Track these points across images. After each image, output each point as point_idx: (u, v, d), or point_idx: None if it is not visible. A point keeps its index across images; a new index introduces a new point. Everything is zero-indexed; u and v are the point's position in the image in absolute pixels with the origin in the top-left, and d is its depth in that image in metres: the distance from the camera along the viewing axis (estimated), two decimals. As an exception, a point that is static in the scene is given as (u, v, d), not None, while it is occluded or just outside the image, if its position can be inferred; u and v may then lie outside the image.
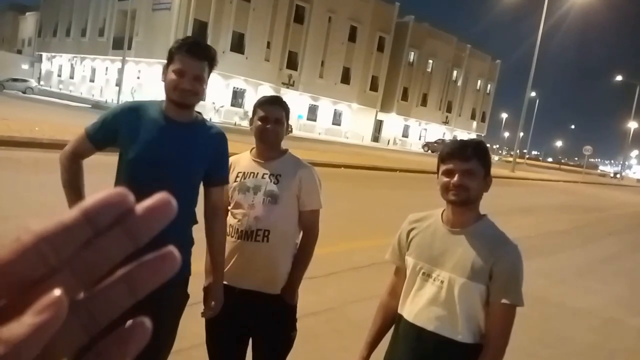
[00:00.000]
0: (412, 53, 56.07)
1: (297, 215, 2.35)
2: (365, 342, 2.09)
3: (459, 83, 63.26)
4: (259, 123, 2.31)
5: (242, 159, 2.41)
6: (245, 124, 36.99)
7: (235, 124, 34.25)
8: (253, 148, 2.42)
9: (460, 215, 1.84)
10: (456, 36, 61.83)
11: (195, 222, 2.13)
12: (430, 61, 58.15)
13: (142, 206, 0.25)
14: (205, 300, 2.21)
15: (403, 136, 59.57)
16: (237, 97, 41.79)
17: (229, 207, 2.34)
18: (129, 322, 0.25)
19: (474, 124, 68.95)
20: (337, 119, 50.47)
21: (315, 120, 48.80)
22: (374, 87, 52.34)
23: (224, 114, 37.88)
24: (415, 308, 1.87)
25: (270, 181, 2.29)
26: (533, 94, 59.54)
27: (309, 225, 2.38)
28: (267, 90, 43.35)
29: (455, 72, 62.18)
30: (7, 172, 7.92)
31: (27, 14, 62.34)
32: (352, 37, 48.57)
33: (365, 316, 2.30)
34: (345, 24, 47.40)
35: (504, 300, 1.72)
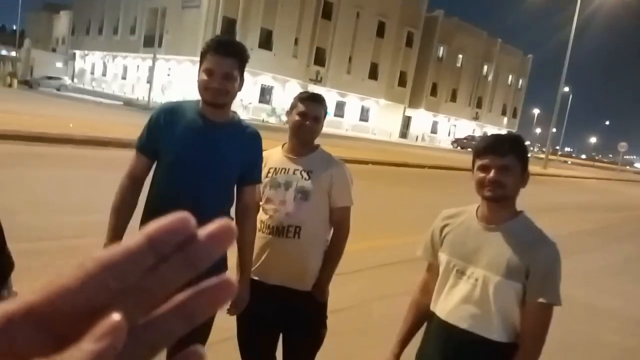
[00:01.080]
0: (442, 48, 55.35)
1: (328, 211, 2.35)
2: (396, 339, 2.07)
3: (490, 78, 62.21)
4: (297, 118, 2.31)
5: (273, 155, 2.40)
6: (272, 120, 37.28)
7: (263, 121, 34.46)
8: (285, 143, 2.41)
9: (496, 212, 1.80)
10: (486, 31, 60.83)
11: (231, 219, 2.14)
12: (460, 56, 57.33)
13: (203, 232, 0.25)
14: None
15: (431, 132, 58.94)
16: (265, 93, 42.00)
17: (261, 203, 2.35)
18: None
19: (505, 119, 67.77)
20: (364, 115, 50.25)
21: (342, 117, 48.69)
22: (402, 83, 51.90)
23: (252, 110, 38.13)
24: (449, 306, 1.85)
25: (302, 177, 2.29)
26: (566, 89, 58.19)
27: (339, 222, 2.37)
28: (294, 86, 43.48)
29: (485, 67, 61.17)
30: (42, 168, 8.14)
31: (61, 12, 63.83)
32: (380, 32, 48.23)
33: (389, 314, 2.28)
34: (373, 20, 47.10)
35: (540, 300, 1.68)
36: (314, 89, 44.49)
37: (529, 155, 1.89)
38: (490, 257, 1.76)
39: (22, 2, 56.76)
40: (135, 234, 0.24)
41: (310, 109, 2.30)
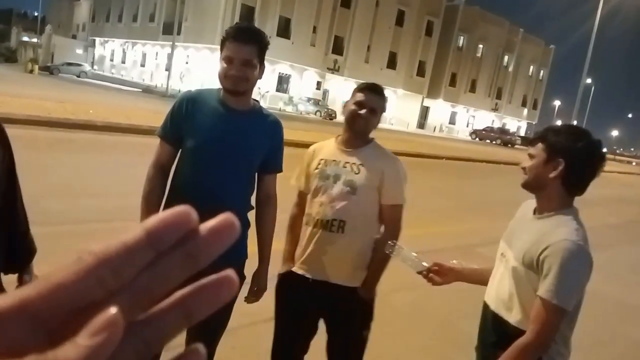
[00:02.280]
0: (462, 37, 54.67)
1: (376, 208, 2.26)
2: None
3: (510, 69, 61.32)
4: (353, 107, 2.23)
5: (326, 146, 2.35)
6: (289, 109, 37.28)
7: (280, 109, 34.46)
8: (339, 135, 2.34)
9: (539, 202, 1.83)
10: (508, 20, 59.85)
11: (251, 207, 2.15)
12: (481, 46, 56.56)
13: (205, 227, 0.25)
14: (250, 286, 2.22)
15: (450, 123, 58.39)
16: (282, 82, 41.97)
17: (308, 195, 2.32)
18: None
19: (525, 111, 66.84)
20: (382, 105, 49.92)
21: (360, 106, 48.43)
22: (420, 73, 51.41)
23: (269, 99, 38.14)
24: (489, 286, 1.94)
25: (351, 170, 2.22)
26: (589, 80, 57.21)
27: (389, 220, 2.28)
28: (312, 75, 43.35)
29: (506, 58, 60.28)
30: (64, 153, 8.25)
31: None
32: (400, 21, 47.74)
33: (410, 303, 2.27)
34: (393, 8, 46.62)
35: (538, 293, 1.67)
36: (332, 77, 44.38)
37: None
38: (521, 243, 1.78)
39: (43, -11, 57.34)
40: (134, 227, 0.24)
41: (367, 99, 2.22)
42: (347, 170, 2.22)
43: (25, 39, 58.00)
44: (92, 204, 5.73)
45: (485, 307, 1.92)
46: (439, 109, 55.69)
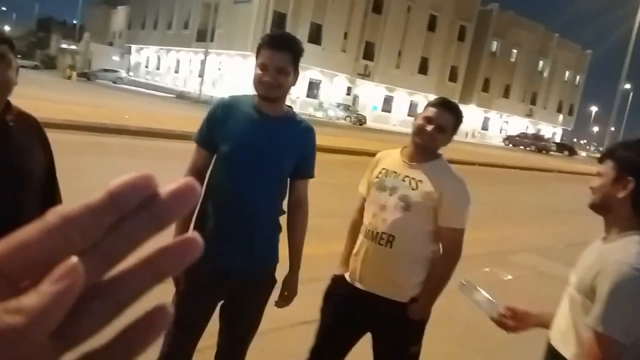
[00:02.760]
0: (495, 42, 53.93)
1: (431, 227, 2.16)
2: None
3: (545, 74, 60.13)
4: (421, 122, 2.16)
5: (391, 155, 2.31)
6: (319, 114, 37.38)
7: (310, 115, 34.58)
8: (405, 147, 2.28)
9: (607, 225, 1.69)
10: (543, 25, 58.76)
11: (283, 212, 2.17)
12: (515, 51, 55.67)
13: (166, 190, 0.25)
14: (280, 291, 2.22)
15: (482, 129, 57.55)
16: (313, 88, 42.15)
17: (366, 203, 2.29)
18: (152, 307, 0.25)
19: (560, 117, 65.36)
20: (413, 110, 49.53)
21: (390, 112, 48.28)
22: (453, 78, 50.89)
23: (300, 104, 38.35)
24: (556, 319, 1.78)
25: (409, 185, 2.15)
26: (627, 85, 55.57)
27: (447, 243, 2.19)
28: (342, 81, 43.40)
29: (541, 63, 59.17)
30: (98, 156, 8.47)
31: (118, 7, 66.04)
32: (432, 26, 47.42)
33: (438, 307, 2.24)
34: (425, 13, 46.34)
35: (587, 321, 1.53)
36: (362, 83, 44.34)
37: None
38: (580, 269, 1.67)
39: (82, -2, 59.06)
40: (98, 192, 0.24)
41: (437, 115, 2.13)
42: (405, 184, 2.16)
43: (64, 46, 59.84)
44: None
45: (548, 339, 1.79)
46: (472, 115, 54.95)
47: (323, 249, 4.46)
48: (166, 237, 0.27)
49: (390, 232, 2.14)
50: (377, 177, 2.25)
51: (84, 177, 6.59)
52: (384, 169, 2.25)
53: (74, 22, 79.65)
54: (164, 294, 0.21)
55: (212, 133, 2.08)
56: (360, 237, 2.25)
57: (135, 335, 0.25)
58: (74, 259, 0.22)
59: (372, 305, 2.21)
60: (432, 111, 2.15)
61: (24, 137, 1.59)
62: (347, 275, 2.31)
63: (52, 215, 0.23)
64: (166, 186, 0.25)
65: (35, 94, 13.13)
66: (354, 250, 2.28)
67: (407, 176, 2.17)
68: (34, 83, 19.67)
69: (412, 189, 2.14)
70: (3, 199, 1.49)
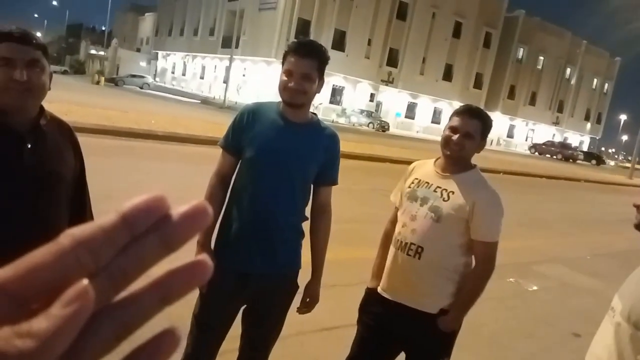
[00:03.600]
0: (521, 49, 53.27)
1: (463, 240, 2.12)
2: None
3: (573, 81, 59.11)
4: (447, 132, 2.14)
5: (424, 165, 2.30)
6: (342, 121, 37.39)
7: (332, 121, 34.63)
8: (439, 157, 2.25)
9: None
10: (570, 31, 57.86)
11: (306, 218, 2.18)
12: (541, 58, 54.91)
13: (178, 213, 0.25)
14: (303, 297, 2.23)
15: (508, 136, 56.82)
16: (336, 94, 42.21)
17: (398, 213, 2.28)
18: (160, 330, 0.25)
19: (588, 125, 64.14)
20: (436, 117, 49.26)
21: (413, 118, 48.03)
22: (477, 85, 50.40)
23: (322, 110, 38.44)
24: (594, 344, 1.53)
25: (440, 196, 2.11)
26: (658, 93, 53.91)
27: (479, 257, 2.14)
28: (365, 87, 43.36)
29: (568, 70, 58.19)
30: (125, 160, 8.62)
31: (146, 14, 67.39)
32: (457, 32, 47.11)
33: (467, 320, 2.22)
34: (450, 20, 46.08)
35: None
36: (385, 90, 44.21)
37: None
38: (629, 295, 1.43)
39: (110, 4, 60.42)
40: (110, 213, 0.24)
41: (461, 124, 2.10)
42: (437, 195, 2.13)
43: (93, 51, 61.25)
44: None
45: None
46: (497, 122, 54.19)
47: (344, 254, 4.44)
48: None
49: (419, 243, 2.12)
50: (409, 187, 2.23)
51: (110, 179, 6.72)
52: (416, 179, 2.23)
53: (103, 28, 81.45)
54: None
55: (237, 139, 2.10)
56: (391, 247, 2.24)
57: (143, 358, 0.25)
58: (85, 282, 0.22)
59: (402, 316, 2.19)
60: (456, 120, 2.13)
61: (57, 142, 1.63)
62: (379, 287, 2.30)
63: (66, 238, 0.23)
64: (178, 208, 0.25)
65: (66, 98, 13.46)
66: (387, 259, 2.27)
67: (439, 187, 2.14)
68: (64, 88, 20.15)
69: (444, 200, 2.11)
70: (34, 200, 1.54)
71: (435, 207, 2.11)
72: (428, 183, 2.18)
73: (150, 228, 0.25)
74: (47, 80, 1.54)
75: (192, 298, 2.02)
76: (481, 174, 2.20)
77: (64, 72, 49.39)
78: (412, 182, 2.24)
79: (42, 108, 1.59)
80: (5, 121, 1.49)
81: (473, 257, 2.17)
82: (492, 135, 53.43)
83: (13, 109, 1.49)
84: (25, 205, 1.52)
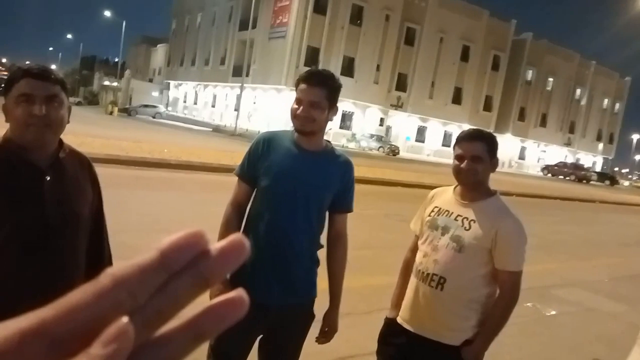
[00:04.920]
0: (530, 71, 53.43)
1: (486, 270, 2.07)
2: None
3: (583, 102, 58.98)
4: (455, 162, 2.12)
5: (444, 193, 2.27)
6: (352, 145, 37.50)
7: (342, 146, 34.75)
8: (458, 185, 2.22)
9: None
10: (579, 52, 58.01)
11: (321, 246, 2.18)
12: (550, 79, 54.97)
13: (216, 248, 0.25)
14: (321, 326, 2.20)
15: (519, 158, 56.54)
16: (346, 119, 42.45)
17: (419, 242, 2.24)
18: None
19: (600, 145, 63.72)
20: (447, 140, 49.22)
21: (423, 142, 48.08)
22: (487, 107, 50.48)
23: (332, 136, 38.61)
24: None
25: (462, 225, 2.07)
26: (670, 112, 53.63)
27: (504, 286, 2.08)
28: (375, 112, 43.60)
29: (578, 91, 58.15)
30: (139, 190, 8.69)
31: (158, 46, 68.75)
32: (465, 56, 47.45)
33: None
34: (457, 44, 46.47)
35: None
36: (395, 114, 44.40)
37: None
38: None
39: (123, 37, 61.81)
40: (149, 250, 0.24)
41: (465, 149, 2.09)
42: (458, 224, 2.09)
43: (106, 83, 62.38)
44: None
45: None
46: (508, 144, 54.13)
47: (357, 281, 4.42)
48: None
49: (441, 274, 2.08)
50: (429, 215, 2.20)
51: (126, 210, 6.76)
52: (436, 207, 2.20)
53: (116, 60, 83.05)
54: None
55: (253, 167, 2.12)
56: (412, 277, 2.20)
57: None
58: (125, 320, 0.22)
59: (423, 348, 2.15)
60: (459, 148, 2.12)
61: (76, 174, 1.65)
62: (399, 317, 2.26)
63: (106, 278, 0.23)
64: (215, 244, 0.25)
65: (80, 130, 13.66)
66: (407, 289, 2.23)
67: (459, 215, 2.11)
68: (78, 119, 20.45)
69: (465, 229, 2.06)
70: (53, 234, 1.55)
71: (457, 236, 2.07)
72: (448, 211, 2.15)
73: (187, 264, 0.24)
74: (65, 114, 1.57)
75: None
76: (502, 201, 2.16)
77: (78, 104, 50.28)
78: (432, 211, 2.21)
79: (60, 141, 1.62)
80: (25, 156, 1.52)
81: (497, 286, 2.12)
82: (504, 157, 53.27)
83: (33, 144, 1.52)
84: (45, 240, 1.54)
